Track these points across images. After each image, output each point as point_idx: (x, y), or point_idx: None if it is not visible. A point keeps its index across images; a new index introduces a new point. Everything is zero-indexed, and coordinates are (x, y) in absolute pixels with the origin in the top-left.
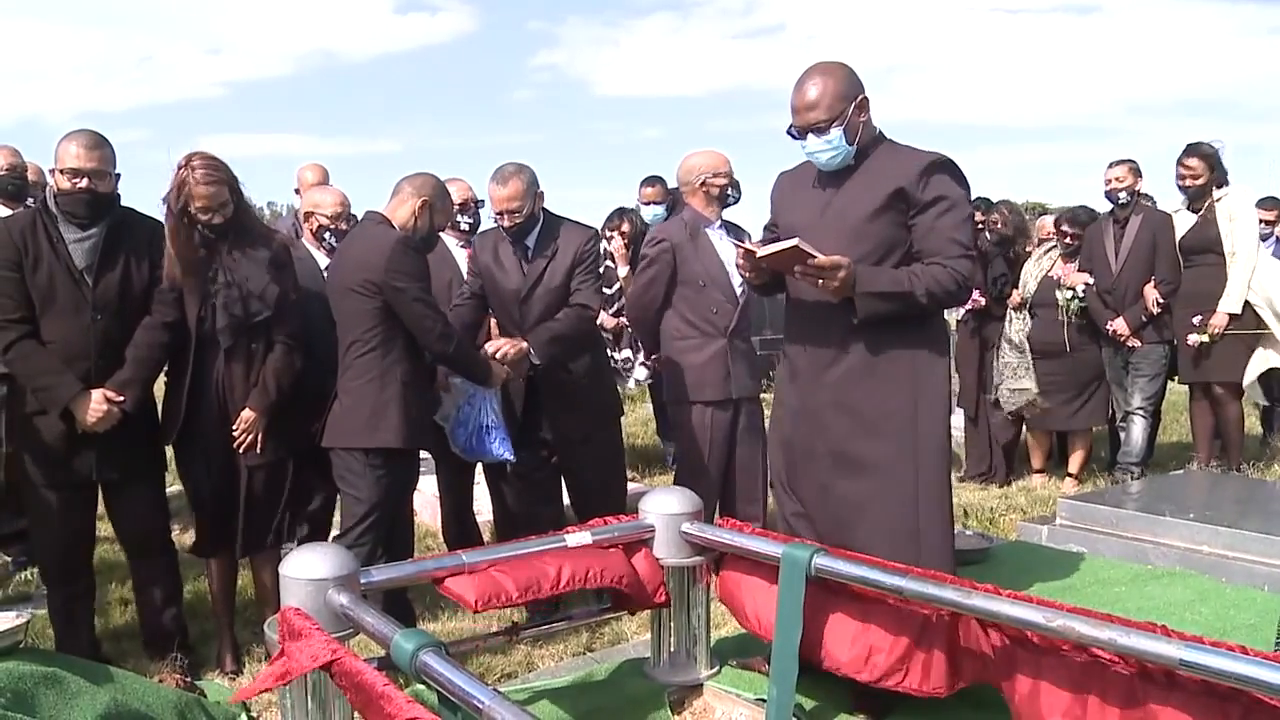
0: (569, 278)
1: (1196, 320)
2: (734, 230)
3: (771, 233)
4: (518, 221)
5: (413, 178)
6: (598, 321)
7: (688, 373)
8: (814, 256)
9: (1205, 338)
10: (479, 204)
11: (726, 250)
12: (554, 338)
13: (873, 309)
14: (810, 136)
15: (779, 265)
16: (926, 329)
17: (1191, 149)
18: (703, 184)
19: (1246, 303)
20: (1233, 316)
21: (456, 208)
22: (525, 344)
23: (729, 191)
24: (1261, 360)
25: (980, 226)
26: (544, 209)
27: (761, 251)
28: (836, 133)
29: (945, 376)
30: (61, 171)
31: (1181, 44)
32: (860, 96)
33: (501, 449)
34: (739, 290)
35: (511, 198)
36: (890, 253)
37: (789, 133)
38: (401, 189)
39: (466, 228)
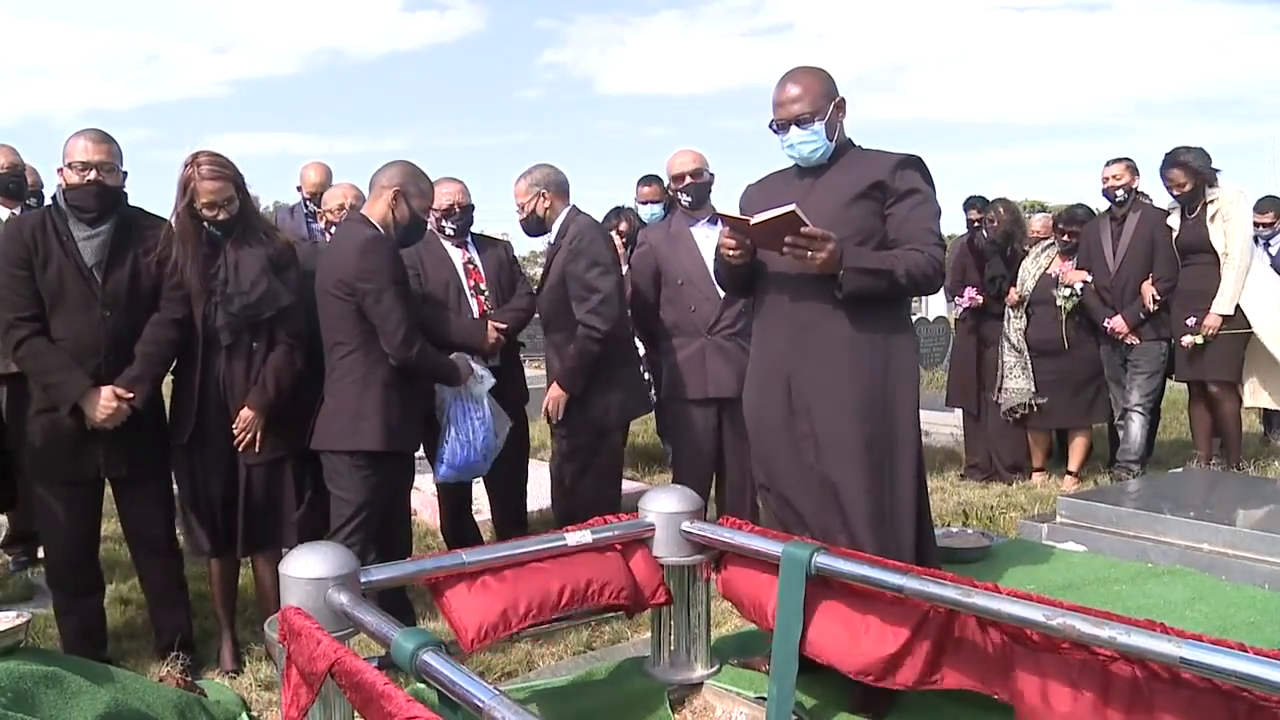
0: (562, 273)
1: (1190, 322)
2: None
3: None
4: (521, 216)
5: (383, 170)
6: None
7: (673, 371)
8: (806, 225)
9: (1199, 339)
10: (469, 208)
11: (710, 246)
12: (574, 370)
13: (857, 285)
14: (793, 129)
15: (767, 238)
16: (899, 314)
17: (1169, 160)
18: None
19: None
20: (1226, 317)
21: (442, 212)
22: (561, 393)
23: (679, 196)
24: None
25: (977, 225)
26: (574, 208)
27: (757, 218)
28: (819, 126)
29: (916, 363)
30: (70, 166)
31: (1189, 42)
32: (840, 98)
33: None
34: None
35: (517, 195)
36: (867, 240)
37: (770, 127)
38: (375, 184)
39: (452, 231)
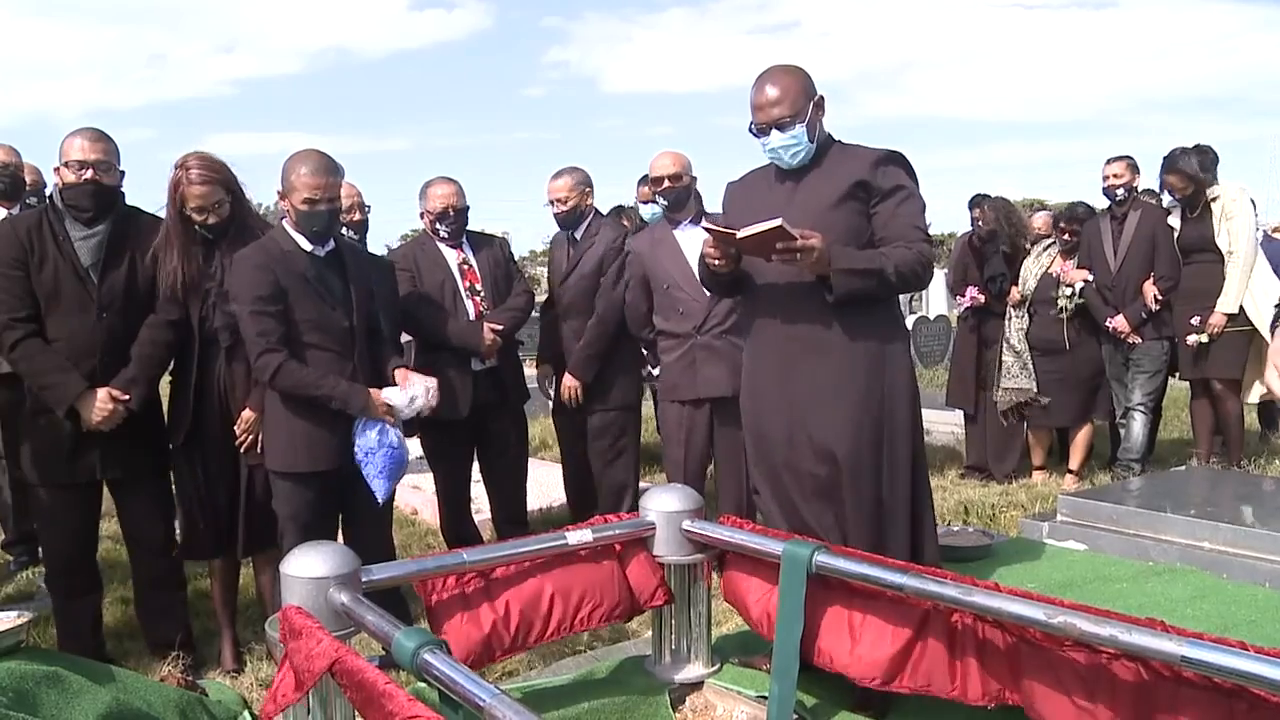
0: (599, 267)
1: (1195, 321)
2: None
3: None
4: (563, 210)
5: None
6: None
7: (664, 373)
8: (794, 237)
9: (1204, 338)
10: (463, 210)
11: (694, 248)
12: (589, 357)
13: (848, 286)
14: (774, 132)
15: (755, 248)
16: (892, 316)
17: (1166, 165)
18: None
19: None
20: (1230, 315)
21: (436, 215)
22: (575, 381)
23: (657, 199)
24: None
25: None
26: (594, 208)
27: (743, 232)
28: (800, 129)
29: (910, 365)
30: (66, 165)
31: (1193, 39)
32: (819, 96)
33: (379, 480)
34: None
35: (558, 189)
36: (853, 241)
37: (750, 131)
38: None
39: (446, 234)
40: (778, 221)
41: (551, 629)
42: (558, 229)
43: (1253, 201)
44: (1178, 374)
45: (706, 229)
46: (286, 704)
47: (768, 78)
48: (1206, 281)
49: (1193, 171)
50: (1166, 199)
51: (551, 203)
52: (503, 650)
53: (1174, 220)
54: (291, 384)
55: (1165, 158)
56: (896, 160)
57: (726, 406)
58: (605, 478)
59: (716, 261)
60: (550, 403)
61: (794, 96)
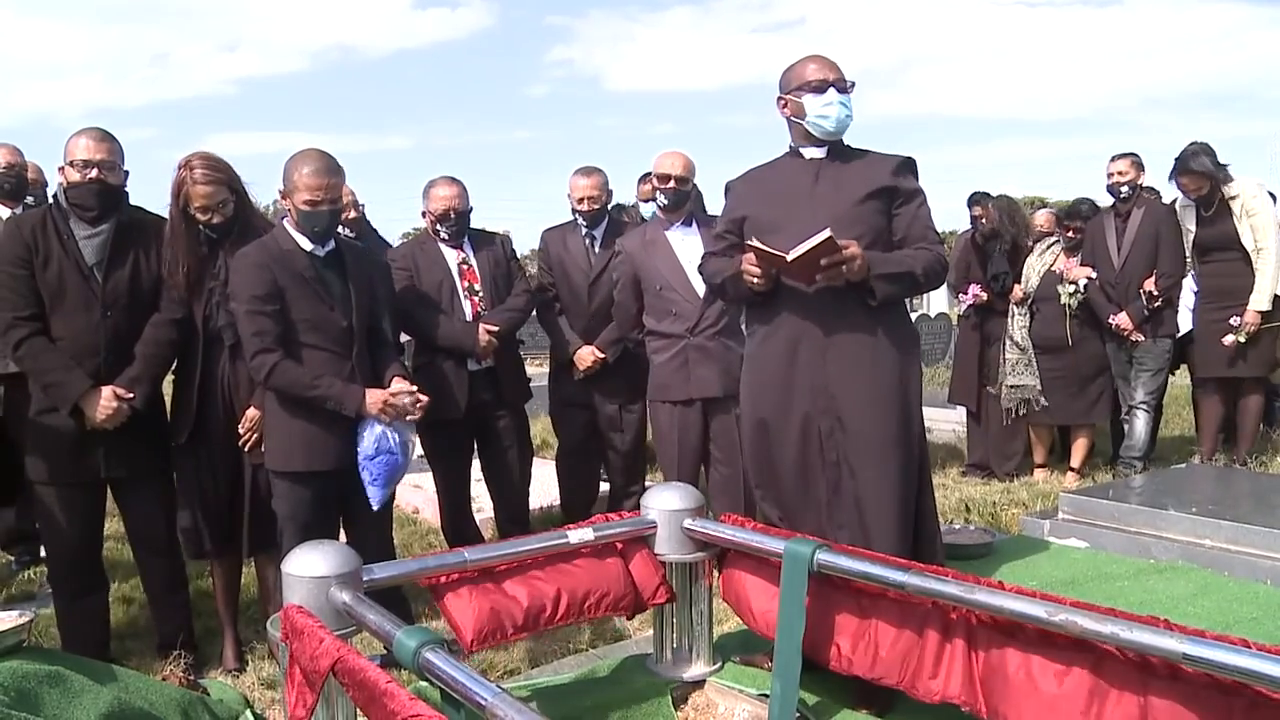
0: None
1: (1234, 321)
2: (707, 221)
3: (731, 237)
4: (594, 209)
5: None
6: None
7: (655, 373)
8: (839, 249)
9: (1241, 338)
10: (465, 213)
11: (687, 250)
12: (620, 339)
13: (887, 291)
14: (832, 90)
15: (800, 269)
16: (901, 313)
17: (1179, 167)
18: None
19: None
20: (1263, 311)
21: (436, 216)
22: (602, 355)
23: (657, 196)
24: None
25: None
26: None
27: (793, 254)
28: (851, 100)
29: (920, 365)
30: (71, 164)
31: (1197, 37)
32: None
33: (373, 487)
34: (700, 289)
35: (589, 187)
36: (876, 240)
37: (803, 90)
38: None
39: (447, 236)
40: (827, 233)
41: (560, 615)
42: (548, 227)
43: (1271, 195)
44: (1177, 371)
45: (752, 248)
46: (313, 705)
47: (819, 55)
48: (1231, 280)
49: (1208, 169)
50: (1181, 200)
51: (582, 199)
52: (515, 628)
53: (1189, 223)
54: (286, 384)
55: (1176, 159)
56: (912, 166)
57: (716, 406)
58: (619, 469)
59: (757, 281)
60: (551, 398)
61: (844, 74)
